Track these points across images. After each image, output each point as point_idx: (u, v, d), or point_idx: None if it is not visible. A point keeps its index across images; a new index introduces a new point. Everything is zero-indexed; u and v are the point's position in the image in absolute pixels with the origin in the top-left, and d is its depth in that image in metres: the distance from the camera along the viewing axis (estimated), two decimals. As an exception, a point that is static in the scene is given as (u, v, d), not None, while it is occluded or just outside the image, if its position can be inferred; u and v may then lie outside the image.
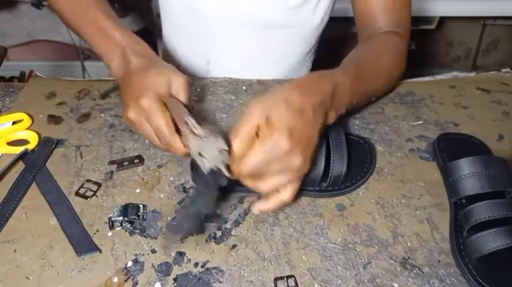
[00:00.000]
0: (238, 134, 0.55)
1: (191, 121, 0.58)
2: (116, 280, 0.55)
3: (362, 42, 0.85)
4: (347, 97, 0.65)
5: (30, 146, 0.71)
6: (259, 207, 0.59)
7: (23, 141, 0.73)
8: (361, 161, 0.70)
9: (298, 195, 0.65)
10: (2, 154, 0.71)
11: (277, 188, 0.58)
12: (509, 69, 0.92)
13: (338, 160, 0.64)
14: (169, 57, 1.07)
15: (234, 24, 0.92)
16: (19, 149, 0.70)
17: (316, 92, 0.59)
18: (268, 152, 0.54)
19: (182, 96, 0.65)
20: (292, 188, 0.58)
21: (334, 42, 1.66)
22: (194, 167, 0.67)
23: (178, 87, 0.64)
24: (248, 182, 0.58)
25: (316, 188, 0.65)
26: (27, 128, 0.76)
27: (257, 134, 0.55)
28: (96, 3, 0.75)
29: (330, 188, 0.65)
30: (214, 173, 0.56)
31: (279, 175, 0.56)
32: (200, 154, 0.56)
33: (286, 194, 0.58)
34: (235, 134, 0.55)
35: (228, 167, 0.56)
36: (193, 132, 0.57)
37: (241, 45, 0.96)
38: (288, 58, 1.00)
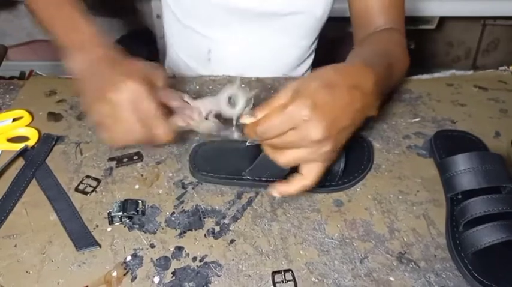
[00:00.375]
0: (266, 105, 0.55)
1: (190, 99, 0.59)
2: (115, 274, 0.55)
3: (366, 40, 0.84)
4: (382, 88, 0.62)
5: (30, 143, 0.72)
6: (280, 189, 0.57)
7: (23, 138, 0.73)
8: (358, 159, 0.70)
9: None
10: (2, 151, 0.72)
11: (297, 163, 0.55)
12: (506, 68, 0.93)
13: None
14: (171, 54, 1.08)
15: (234, 12, 0.92)
16: (19, 146, 0.71)
17: (354, 75, 0.56)
18: (286, 116, 0.51)
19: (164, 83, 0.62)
20: (316, 171, 0.55)
21: (333, 42, 1.67)
22: (193, 161, 0.68)
23: (159, 79, 0.61)
24: (268, 150, 0.57)
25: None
26: (27, 125, 0.76)
27: None
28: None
29: (327, 184, 0.65)
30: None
31: (298, 149, 0.53)
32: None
33: (309, 177, 0.55)
34: (263, 106, 0.55)
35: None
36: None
37: (242, 33, 0.96)
38: (287, 50, 1.00)
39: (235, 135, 0.59)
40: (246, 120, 0.56)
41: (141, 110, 0.57)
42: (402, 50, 0.81)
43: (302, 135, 0.52)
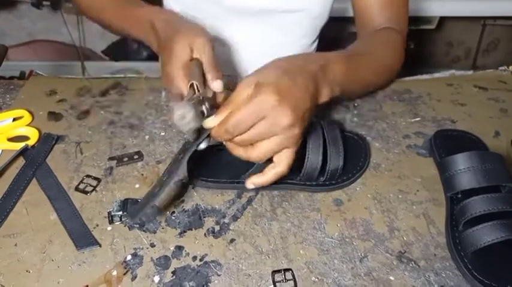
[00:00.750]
0: (227, 103, 0.56)
1: (195, 84, 0.58)
2: (115, 273, 0.55)
3: (359, 38, 0.87)
4: (340, 77, 0.65)
5: (31, 142, 0.72)
6: (253, 180, 0.59)
7: (23, 138, 0.74)
8: (356, 156, 0.70)
9: (296, 190, 0.66)
10: (2, 150, 0.72)
11: (270, 154, 0.56)
12: (506, 67, 0.93)
13: (335, 154, 0.64)
14: None
15: (232, 10, 0.92)
16: (19, 146, 0.71)
17: (304, 62, 0.60)
18: (254, 106, 0.53)
19: (204, 57, 0.64)
20: (287, 156, 0.57)
21: (333, 42, 1.67)
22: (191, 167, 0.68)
23: (199, 49, 0.64)
24: (239, 151, 0.57)
25: (314, 183, 0.65)
26: (28, 125, 0.76)
27: None
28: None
29: (327, 183, 0.65)
30: (195, 133, 0.56)
31: (269, 139, 0.55)
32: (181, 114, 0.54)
33: (281, 164, 0.57)
34: (225, 101, 0.56)
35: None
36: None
37: (241, 32, 0.96)
38: (287, 49, 1.00)
39: (202, 145, 0.59)
40: (210, 123, 0.56)
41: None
42: (393, 49, 0.82)
43: (272, 122, 0.53)
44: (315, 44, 1.06)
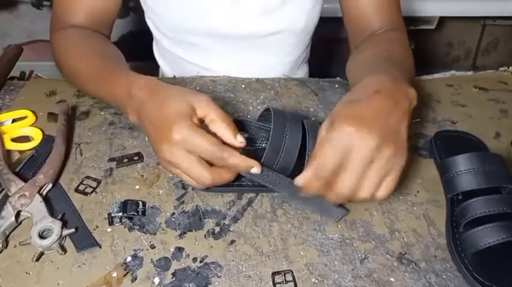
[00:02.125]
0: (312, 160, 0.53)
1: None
2: (115, 275, 0.55)
3: (365, 44, 0.83)
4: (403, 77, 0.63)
5: (34, 143, 0.72)
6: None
7: (26, 138, 0.74)
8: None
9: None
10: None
11: (380, 181, 0.53)
12: (506, 68, 0.93)
13: None
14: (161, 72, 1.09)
15: (214, 36, 0.92)
16: (23, 146, 0.71)
17: (362, 85, 0.59)
18: (332, 141, 0.51)
19: (213, 115, 0.57)
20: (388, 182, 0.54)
21: (331, 43, 1.67)
22: None
23: (203, 108, 0.57)
24: (344, 199, 0.54)
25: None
26: (31, 125, 0.76)
27: None
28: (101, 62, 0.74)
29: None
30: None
31: (369, 167, 0.52)
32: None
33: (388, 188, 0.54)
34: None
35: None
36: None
37: (226, 57, 0.96)
38: (274, 68, 1.00)
39: None
40: (300, 180, 0.54)
41: (199, 152, 0.55)
42: (405, 50, 0.80)
43: (362, 148, 0.50)
44: (307, 49, 1.06)
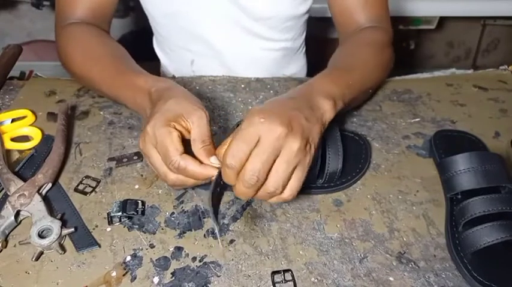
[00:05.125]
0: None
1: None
2: (114, 274, 0.55)
3: (343, 43, 0.85)
4: (334, 89, 0.63)
5: (34, 143, 0.72)
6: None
7: (26, 138, 0.74)
8: (356, 157, 0.70)
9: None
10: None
11: (302, 181, 0.54)
12: (506, 67, 0.93)
13: (333, 156, 0.64)
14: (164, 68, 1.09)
15: (210, 23, 0.93)
16: (22, 146, 0.72)
17: (289, 94, 0.60)
18: (265, 134, 0.51)
19: (195, 134, 0.57)
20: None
21: (330, 42, 1.67)
22: None
23: (190, 121, 0.57)
24: (272, 199, 0.54)
25: (312, 185, 0.65)
26: (31, 125, 0.76)
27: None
28: (116, 65, 0.75)
29: (325, 185, 0.65)
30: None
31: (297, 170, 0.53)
32: None
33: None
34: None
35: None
36: None
37: (225, 39, 0.96)
38: (271, 51, 1.00)
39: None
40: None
41: (159, 149, 0.56)
42: (380, 48, 0.81)
43: (268, 136, 0.51)
44: (302, 37, 1.06)
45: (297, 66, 1.09)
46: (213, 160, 0.55)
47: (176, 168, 0.54)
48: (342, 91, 0.65)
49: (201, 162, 0.55)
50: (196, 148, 0.56)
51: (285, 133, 0.51)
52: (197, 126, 0.57)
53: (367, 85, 0.76)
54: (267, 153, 0.51)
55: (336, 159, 0.64)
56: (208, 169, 0.55)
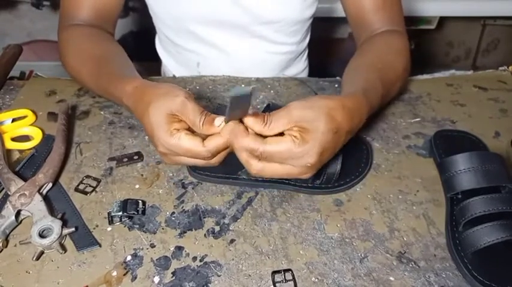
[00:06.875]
0: (271, 120, 0.54)
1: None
2: (115, 273, 0.55)
3: (365, 47, 0.83)
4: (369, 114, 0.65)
5: (34, 142, 0.72)
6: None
7: (26, 138, 0.74)
8: (357, 160, 0.70)
9: (295, 191, 0.66)
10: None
11: (278, 177, 0.57)
12: (506, 67, 0.93)
13: (332, 158, 0.64)
14: (163, 68, 1.09)
15: (215, 26, 0.93)
16: (23, 145, 0.72)
17: (356, 118, 0.58)
18: (294, 153, 0.53)
19: (191, 114, 0.56)
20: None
21: (331, 42, 1.67)
22: None
23: (181, 110, 0.56)
24: (253, 161, 0.55)
25: (310, 185, 0.65)
26: (31, 125, 0.76)
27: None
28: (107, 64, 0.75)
29: (323, 186, 0.65)
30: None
31: (283, 166, 0.55)
32: None
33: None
34: (269, 117, 0.54)
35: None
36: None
37: (231, 43, 0.96)
38: (276, 54, 1.00)
39: None
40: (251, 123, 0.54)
41: (180, 153, 0.57)
42: (401, 53, 0.80)
43: (299, 163, 0.54)
44: (306, 40, 1.06)
45: (300, 68, 1.09)
46: (217, 123, 0.55)
47: (209, 155, 0.56)
48: (373, 110, 0.67)
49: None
50: (197, 129, 0.56)
51: (313, 164, 0.54)
52: (185, 113, 0.56)
53: (393, 95, 0.79)
54: (281, 158, 0.54)
55: (335, 161, 0.64)
56: (224, 132, 0.55)
